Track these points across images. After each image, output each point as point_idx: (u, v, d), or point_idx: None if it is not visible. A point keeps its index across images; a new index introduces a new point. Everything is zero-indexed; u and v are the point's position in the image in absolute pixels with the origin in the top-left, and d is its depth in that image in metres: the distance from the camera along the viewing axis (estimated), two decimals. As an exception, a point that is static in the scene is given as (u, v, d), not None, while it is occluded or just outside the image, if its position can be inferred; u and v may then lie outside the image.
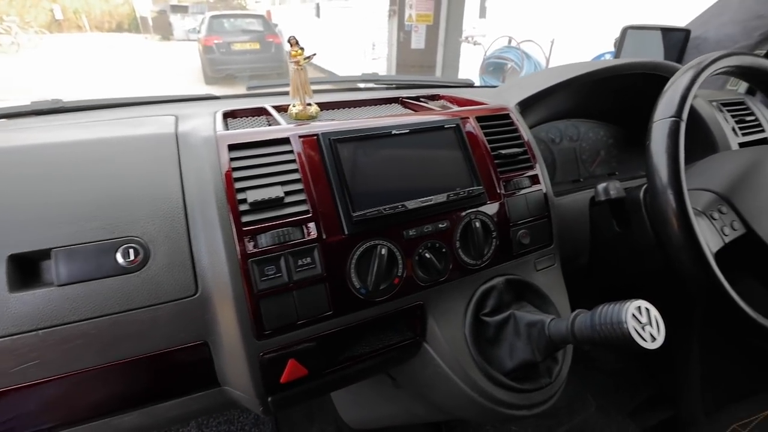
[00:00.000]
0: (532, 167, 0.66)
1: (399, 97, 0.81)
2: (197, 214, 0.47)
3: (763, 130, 0.89)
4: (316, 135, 0.54)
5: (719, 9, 0.90)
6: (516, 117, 0.69)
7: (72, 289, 0.42)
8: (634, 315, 0.41)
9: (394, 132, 0.57)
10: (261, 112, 0.70)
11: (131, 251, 0.44)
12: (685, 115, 0.54)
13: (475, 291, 0.59)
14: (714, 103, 0.87)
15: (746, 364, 1.07)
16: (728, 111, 0.87)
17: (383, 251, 0.51)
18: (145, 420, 0.49)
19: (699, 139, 0.85)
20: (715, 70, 0.58)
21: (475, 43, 3.91)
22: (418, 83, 1.05)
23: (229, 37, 7.57)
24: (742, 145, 0.84)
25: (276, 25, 9.10)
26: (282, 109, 0.70)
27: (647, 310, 0.42)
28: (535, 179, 0.66)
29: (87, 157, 0.48)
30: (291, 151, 0.52)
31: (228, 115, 0.65)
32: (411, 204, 0.54)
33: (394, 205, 0.53)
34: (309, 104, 0.68)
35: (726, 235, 0.54)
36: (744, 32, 0.86)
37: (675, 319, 1.19)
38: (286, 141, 0.52)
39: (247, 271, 0.46)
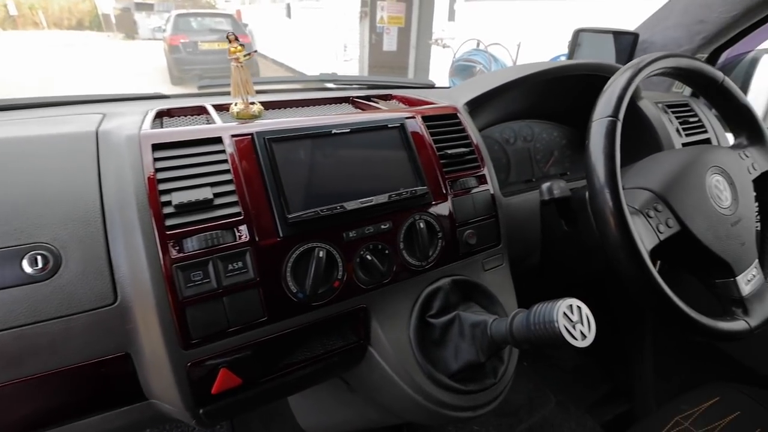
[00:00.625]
0: (479, 167, 0.65)
1: (349, 97, 0.79)
2: (116, 217, 0.44)
3: (705, 131, 0.93)
4: (251, 134, 0.51)
5: (665, 13, 0.93)
6: (464, 117, 0.68)
7: None
8: (565, 313, 0.40)
9: (334, 131, 0.55)
10: (201, 110, 0.66)
11: (39, 258, 0.40)
12: (621, 115, 0.54)
13: (421, 292, 0.58)
14: (660, 105, 0.90)
15: (695, 356, 1.11)
16: (673, 112, 0.90)
17: (321, 254, 0.49)
18: None
19: (645, 140, 0.87)
20: (653, 71, 0.59)
21: (444, 46, 3.94)
22: (374, 83, 1.03)
23: (196, 37, 7.37)
24: (685, 145, 0.87)
25: (246, 25, 8.94)
26: (224, 108, 0.67)
27: (579, 308, 0.42)
28: (482, 179, 0.65)
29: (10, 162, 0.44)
30: (222, 151, 0.49)
31: (163, 114, 0.62)
32: (350, 205, 0.52)
33: (332, 206, 0.51)
34: (252, 103, 0.66)
35: (661, 233, 0.55)
36: (687, 36, 0.89)
37: (628, 316, 1.22)
38: (217, 140, 0.50)
39: (171, 277, 0.43)
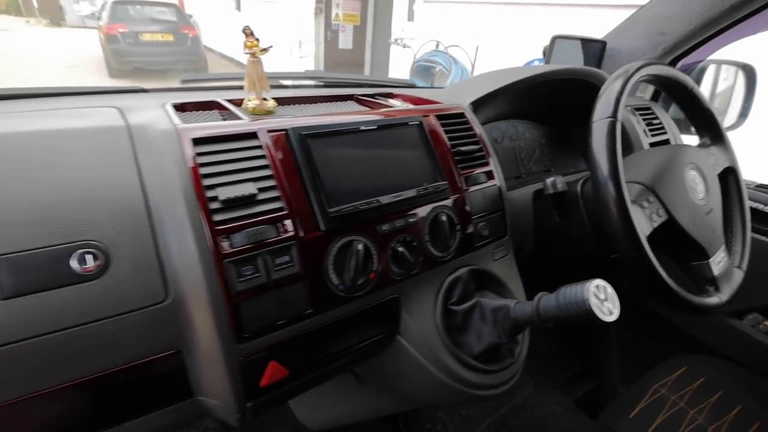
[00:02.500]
0: (487, 163, 0.69)
1: (353, 95, 0.80)
2: (163, 213, 0.42)
3: (665, 132, 1.03)
4: (285, 130, 0.51)
5: (630, 24, 1.03)
6: (470, 116, 0.72)
7: (20, 303, 0.35)
8: (594, 293, 0.45)
9: (362, 128, 0.56)
10: (212, 105, 0.65)
11: (88, 257, 0.38)
12: (620, 116, 0.60)
13: (443, 282, 0.61)
14: (628, 108, 0.99)
15: (656, 336, 1.23)
16: (639, 114, 0.99)
17: (359, 246, 0.50)
18: None
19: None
20: (639, 78, 0.66)
21: (404, 46, 4.01)
22: (363, 82, 1.05)
23: (136, 26, 6.88)
24: (652, 144, 0.97)
25: (191, 16, 8.48)
26: (235, 103, 0.66)
27: (604, 287, 0.46)
28: (490, 175, 0.69)
29: (28, 152, 0.41)
30: (260, 146, 0.49)
31: (178, 108, 0.59)
32: (384, 199, 0.53)
33: (369, 200, 0.52)
34: (265, 99, 0.65)
35: (654, 221, 0.62)
36: (650, 46, 0.99)
37: None
38: (253, 135, 0.49)
39: (223, 272, 0.42)
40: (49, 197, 0.39)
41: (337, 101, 0.78)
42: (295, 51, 6.53)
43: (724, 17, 0.90)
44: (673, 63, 1.03)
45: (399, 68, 4.36)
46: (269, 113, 0.63)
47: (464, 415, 1.20)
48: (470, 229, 0.64)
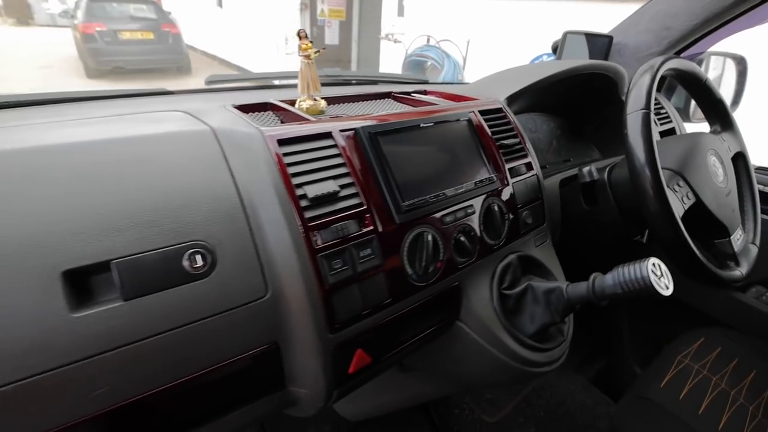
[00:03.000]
0: (526, 155, 0.74)
1: (391, 93, 0.83)
2: (258, 212, 0.45)
3: (671, 121, 1.10)
4: (354, 129, 0.54)
5: (636, 19, 1.08)
6: (507, 110, 0.76)
7: (139, 303, 0.37)
8: (652, 270, 0.50)
9: (422, 125, 0.60)
10: (266, 107, 0.67)
11: (198, 257, 0.41)
12: (652, 107, 0.65)
13: (495, 268, 0.66)
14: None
15: (664, 314, 1.30)
16: (648, 105, 1.05)
17: (429, 237, 0.54)
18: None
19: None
20: (663, 72, 0.71)
21: (395, 41, 4.03)
22: (379, 79, 1.08)
23: (114, 25, 6.69)
24: (661, 133, 1.03)
25: (169, 13, 8.28)
26: (288, 103, 0.68)
27: (659, 265, 0.51)
28: (529, 166, 0.74)
29: (126, 157, 0.42)
30: (335, 146, 0.52)
31: (239, 110, 0.62)
32: (449, 192, 0.57)
33: (437, 193, 0.56)
34: (316, 99, 0.68)
35: (685, 204, 0.67)
36: (656, 40, 1.05)
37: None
38: (329, 136, 0.52)
39: (317, 266, 0.45)
40: (155, 201, 0.41)
41: (376, 99, 0.81)
42: (282, 47, 6.46)
43: (725, 12, 0.97)
44: (677, 55, 1.09)
45: (390, 63, 4.38)
46: (322, 113, 0.66)
47: (489, 399, 1.26)
48: (517, 218, 0.69)
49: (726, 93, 1.27)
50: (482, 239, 0.63)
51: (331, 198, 0.48)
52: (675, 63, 0.73)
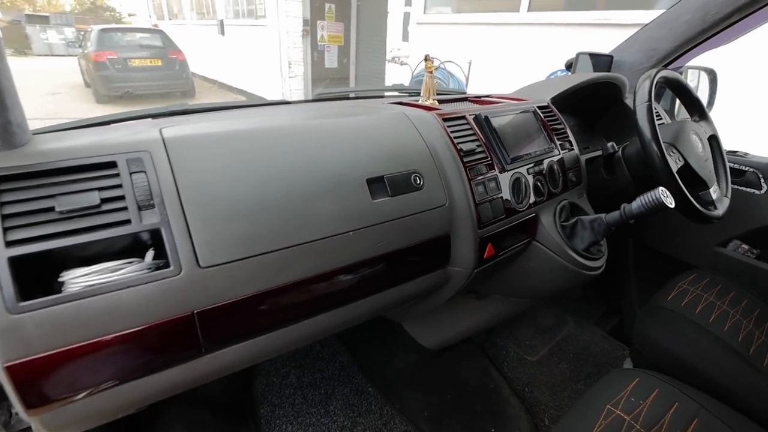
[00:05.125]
0: (568, 137, 1.06)
1: (467, 96, 1.16)
2: (440, 157, 0.76)
3: (661, 118, 1.45)
4: (474, 115, 0.86)
5: (631, 43, 1.44)
6: (553, 107, 1.09)
7: (398, 199, 0.68)
8: (662, 193, 0.81)
9: (511, 111, 0.92)
10: (403, 104, 0.98)
11: (417, 177, 0.71)
12: (653, 101, 0.98)
13: (556, 207, 0.97)
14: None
15: (661, 271, 1.62)
16: (643, 105, 1.40)
17: (524, 180, 0.86)
18: (389, 298, 0.75)
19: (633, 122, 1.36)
20: (657, 79, 1.05)
21: (402, 63, 4.43)
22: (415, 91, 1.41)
23: (124, 53, 7.04)
24: (655, 126, 1.37)
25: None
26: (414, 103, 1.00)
27: (665, 190, 0.83)
28: (571, 144, 1.06)
29: (370, 131, 0.73)
30: (468, 123, 0.84)
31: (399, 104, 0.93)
32: (533, 153, 0.89)
33: (528, 153, 0.88)
34: (433, 100, 1.00)
35: (677, 164, 1.00)
36: (646, 58, 1.41)
37: (617, 253, 1.73)
38: (464, 117, 0.84)
39: (472, 189, 0.76)
40: (394, 149, 0.72)
41: (459, 102, 1.13)
42: (285, 71, 6.85)
43: (697, 37, 1.33)
44: (664, 68, 1.44)
45: (398, 84, 4.77)
46: (437, 109, 0.98)
47: (529, 344, 1.55)
48: (566, 176, 1.00)
49: (701, 98, 1.64)
50: (547, 186, 0.94)
51: (472, 152, 0.80)
52: (665, 73, 1.07)
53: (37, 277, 0.46)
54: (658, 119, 1.43)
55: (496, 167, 0.82)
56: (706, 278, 1.20)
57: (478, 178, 0.78)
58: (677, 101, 1.52)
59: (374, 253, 0.66)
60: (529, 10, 3.65)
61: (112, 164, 0.51)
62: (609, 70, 1.53)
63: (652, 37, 1.39)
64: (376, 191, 0.67)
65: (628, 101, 1.36)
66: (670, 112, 1.61)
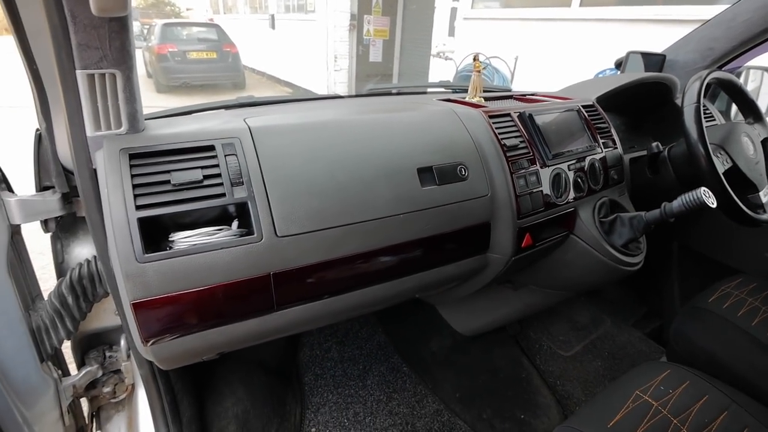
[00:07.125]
0: (611, 136, 1.09)
1: (512, 94, 1.21)
2: (485, 150, 0.82)
3: (714, 120, 1.42)
4: (519, 113, 0.92)
5: (686, 42, 1.42)
6: (598, 106, 1.11)
7: (445, 188, 0.76)
8: (704, 192, 0.83)
9: (556, 110, 0.96)
10: (450, 101, 1.05)
11: (462, 168, 0.78)
12: (701, 102, 0.99)
13: (596, 204, 1.00)
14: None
15: (705, 275, 1.59)
16: (696, 106, 1.38)
17: (564, 175, 0.90)
18: (431, 278, 0.82)
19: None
20: (708, 80, 1.05)
21: (446, 59, 4.45)
22: (460, 87, 1.46)
23: (183, 46, 7.49)
24: (708, 128, 1.35)
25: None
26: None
27: (707, 190, 0.84)
28: (614, 142, 1.09)
29: (421, 125, 0.81)
30: (512, 120, 0.89)
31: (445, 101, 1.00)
32: (575, 150, 0.93)
33: (571, 148, 0.92)
34: (480, 97, 1.05)
35: (724, 166, 1.00)
36: (701, 58, 1.38)
37: (658, 253, 1.71)
38: (509, 115, 0.90)
39: (513, 182, 0.82)
40: (443, 142, 0.79)
41: (505, 99, 1.18)
42: (331, 64, 7.02)
43: (757, 37, 1.29)
44: (719, 69, 1.41)
45: (441, 78, 4.79)
46: (483, 106, 1.04)
47: (563, 339, 1.58)
48: (607, 174, 1.03)
49: (763, 99, 1.57)
50: (588, 183, 0.98)
51: (515, 147, 0.85)
52: (717, 74, 1.07)
53: (150, 237, 0.58)
54: (711, 120, 1.40)
55: (537, 162, 0.87)
56: (752, 283, 1.18)
57: (520, 171, 0.84)
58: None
59: (420, 235, 0.74)
60: (581, 6, 3.55)
61: (212, 147, 0.62)
62: (661, 70, 1.51)
63: (708, 36, 1.37)
64: (425, 180, 0.74)
65: (679, 101, 1.34)
66: (726, 113, 1.57)
